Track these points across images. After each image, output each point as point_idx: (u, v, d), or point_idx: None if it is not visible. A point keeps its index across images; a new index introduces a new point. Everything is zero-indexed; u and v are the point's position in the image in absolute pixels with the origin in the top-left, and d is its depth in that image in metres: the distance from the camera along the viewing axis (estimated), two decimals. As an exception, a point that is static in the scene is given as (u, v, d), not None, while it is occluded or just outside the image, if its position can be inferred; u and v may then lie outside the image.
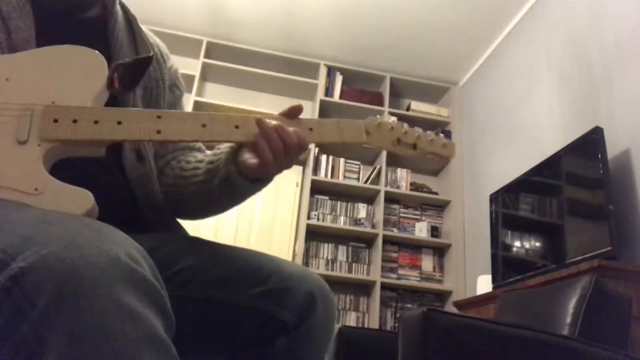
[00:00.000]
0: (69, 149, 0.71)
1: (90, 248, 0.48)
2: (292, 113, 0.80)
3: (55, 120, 0.69)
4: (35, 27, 0.79)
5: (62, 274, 0.45)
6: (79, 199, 0.63)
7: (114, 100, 0.82)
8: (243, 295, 0.77)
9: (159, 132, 0.73)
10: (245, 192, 0.83)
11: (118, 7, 0.92)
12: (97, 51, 0.75)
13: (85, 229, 0.51)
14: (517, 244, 2.53)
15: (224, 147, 0.83)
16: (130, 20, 0.94)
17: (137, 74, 0.85)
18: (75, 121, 0.69)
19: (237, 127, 0.76)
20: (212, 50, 3.66)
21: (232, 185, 0.80)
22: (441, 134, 0.94)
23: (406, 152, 0.88)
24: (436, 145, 0.90)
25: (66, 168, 0.69)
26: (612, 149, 2.01)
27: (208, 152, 0.90)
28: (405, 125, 0.89)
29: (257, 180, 0.81)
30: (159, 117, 0.74)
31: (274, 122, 0.76)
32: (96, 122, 0.70)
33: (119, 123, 0.71)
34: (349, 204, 3.51)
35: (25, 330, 0.45)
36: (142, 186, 0.86)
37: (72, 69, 0.74)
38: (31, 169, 0.65)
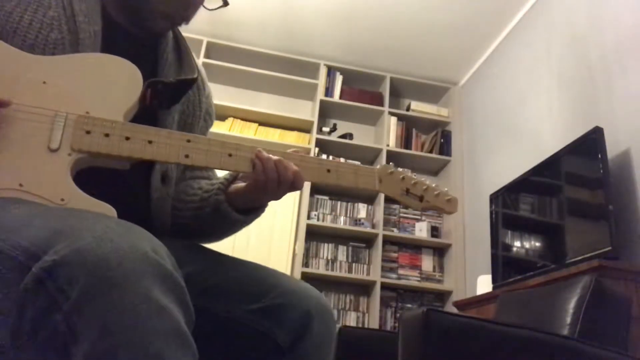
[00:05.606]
0: (96, 160, 0.72)
1: (120, 242, 0.49)
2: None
3: (88, 132, 0.69)
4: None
5: (94, 266, 0.47)
6: (103, 212, 0.64)
7: (154, 118, 0.85)
8: (239, 309, 0.76)
9: (187, 156, 0.75)
10: (234, 222, 0.86)
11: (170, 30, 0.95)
12: (133, 64, 0.76)
13: (114, 224, 0.53)
14: (517, 244, 2.53)
15: (222, 177, 0.87)
16: (179, 44, 0.96)
17: (177, 94, 0.87)
18: (107, 135, 0.70)
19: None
20: (212, 50, 3.66)
21: (221, 214, 0.84)
22: (445, 189, 0.97)
23: (412, 203, 0.92)
24: (440, 199, 0.94)
25: (92, 178, 0.70)
26: (612, 149, 2.01)
27: (207, 182, 0.93)
28: (415, 176, 0.93)
29: (248, 211, 0.85)
30: (188, 140, 0.76)
31: (275, 157, 0.79)
32: (127, 138, 0.71)
33: (150, 142, 0.73)
34: (349, 203, 3.51)
35: (58, 320, 0.46)
36: (161, 207, 0.88)
37: (108, 79, 0.75)
38: (59, 179, 0.66)
